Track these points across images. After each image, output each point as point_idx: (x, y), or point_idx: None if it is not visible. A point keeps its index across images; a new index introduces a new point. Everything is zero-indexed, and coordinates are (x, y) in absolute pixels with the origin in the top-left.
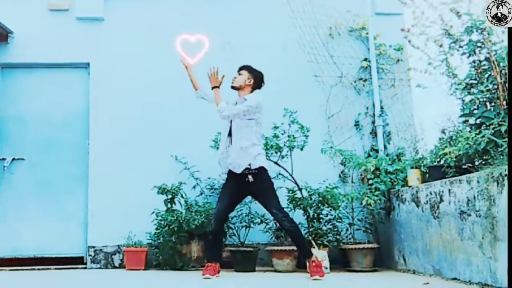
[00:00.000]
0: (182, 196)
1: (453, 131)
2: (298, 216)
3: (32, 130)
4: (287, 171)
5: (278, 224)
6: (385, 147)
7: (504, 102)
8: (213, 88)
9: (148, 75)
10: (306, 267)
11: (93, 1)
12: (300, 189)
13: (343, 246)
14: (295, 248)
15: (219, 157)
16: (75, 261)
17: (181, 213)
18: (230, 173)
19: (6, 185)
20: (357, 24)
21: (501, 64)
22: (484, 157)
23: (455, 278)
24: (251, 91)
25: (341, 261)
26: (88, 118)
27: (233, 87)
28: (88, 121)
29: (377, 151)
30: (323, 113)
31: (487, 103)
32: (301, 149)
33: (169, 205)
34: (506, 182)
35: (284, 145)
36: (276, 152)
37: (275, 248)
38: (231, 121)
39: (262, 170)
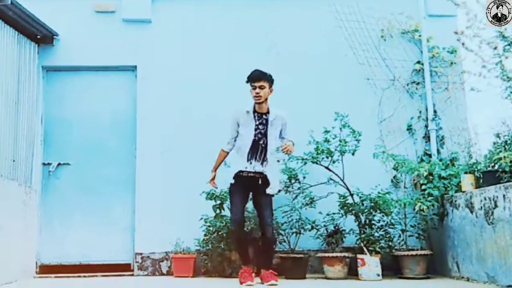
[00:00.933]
0: None
1: (508, 135)
2: (349, 222)
3: (78, 134)
4: (338, 176)
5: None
6: (438, 151)
7: None
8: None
9: (196, 79)
10: (357, 275)
11: (140, 2)
12: (351, 195)
13: (395, 252)
14: (346, 254)
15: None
16: (122, 268)
17: None
18: (238, 176)
19: (51, 190)
20: (409, 26)
21: None
22: None
23: (510, 286)
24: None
25: (393, 268)
26: (135, 121)
27: (259, 103)
28: (135, 125)
29: (430, 155)
30: (375, 117)
31: None
32: (353, 154)
33: (218, 211)
34: None
35: (335, 149)
36: (327, 157)
37: (326, 254)
38: (260, 132)
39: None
